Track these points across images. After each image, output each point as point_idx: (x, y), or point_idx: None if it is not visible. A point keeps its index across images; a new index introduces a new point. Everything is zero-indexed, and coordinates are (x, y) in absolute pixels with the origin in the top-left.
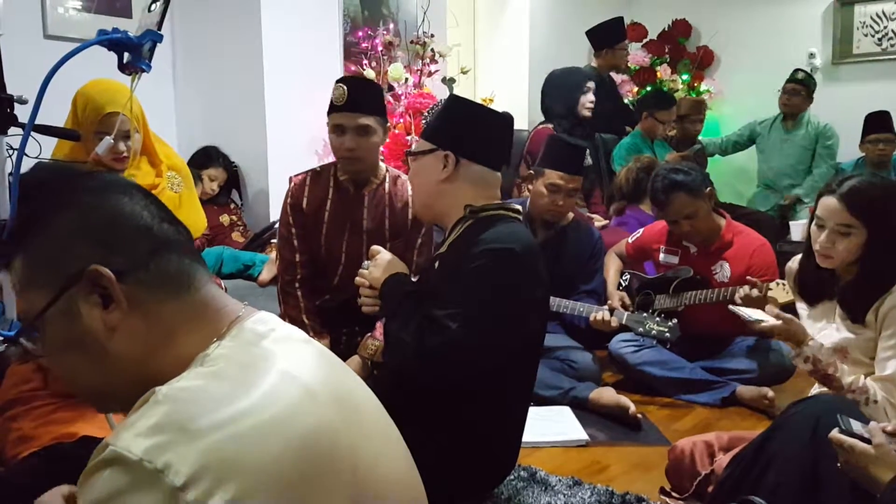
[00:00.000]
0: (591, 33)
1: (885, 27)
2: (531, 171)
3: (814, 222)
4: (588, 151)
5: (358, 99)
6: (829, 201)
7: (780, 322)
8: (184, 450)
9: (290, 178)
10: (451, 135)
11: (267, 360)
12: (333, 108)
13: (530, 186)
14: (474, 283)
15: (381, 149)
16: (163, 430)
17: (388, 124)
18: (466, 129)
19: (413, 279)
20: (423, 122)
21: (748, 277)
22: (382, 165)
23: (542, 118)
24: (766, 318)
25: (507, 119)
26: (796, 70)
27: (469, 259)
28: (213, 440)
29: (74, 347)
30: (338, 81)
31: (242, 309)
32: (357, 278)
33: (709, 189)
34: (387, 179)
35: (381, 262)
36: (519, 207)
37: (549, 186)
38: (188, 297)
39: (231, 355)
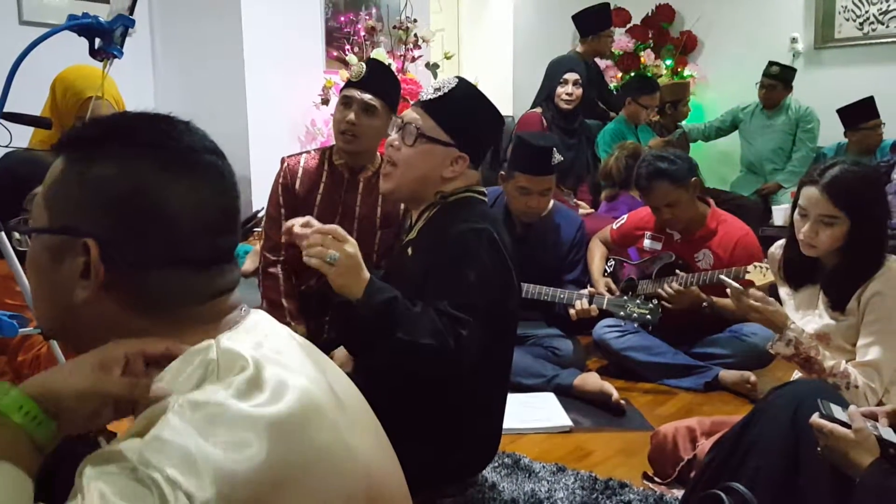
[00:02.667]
0: (576, 18)
1: (867, 12)
2: (503, 174)
3: (797, 211)
4: (555, 150)
5: (373, 80)
6: (812, 192)
7: (763, 303)
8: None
9: (283, 159)
10: (472, 139)
11: None
12: (348, 84)
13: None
14: (467, 267)
15: None
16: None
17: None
18: (484, 137)
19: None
20: (425, 94)
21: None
22: (378, 154)
23: (526, 103)
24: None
25: (503, 124)
26: (770, 64)
27: (451, 243)
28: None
29: (45, 277)
30: (361, 61)
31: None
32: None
33: (694, 179)
34: (381, 168)
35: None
36: (483, 189)
37: (519, 189)
38: (174, 314)
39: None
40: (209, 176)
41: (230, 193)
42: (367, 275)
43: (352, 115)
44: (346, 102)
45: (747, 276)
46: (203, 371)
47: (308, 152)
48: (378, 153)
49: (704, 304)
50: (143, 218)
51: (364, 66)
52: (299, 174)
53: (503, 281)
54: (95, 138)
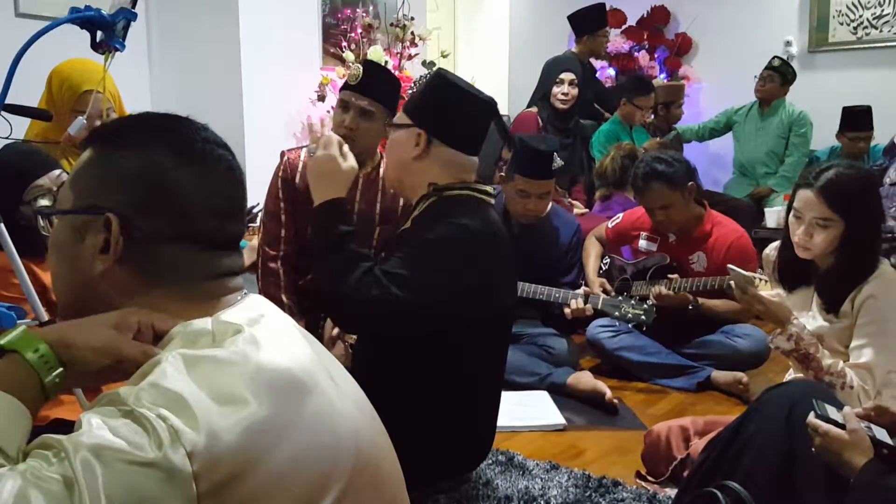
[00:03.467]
0: (572, 18)
1: (861, 16)
2: (502, 175)
3: (791, 213)
4: (556, 154)
5: (371, 83)
6: (807, 195)
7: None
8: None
9: (283, 153)
10: (427, 114)
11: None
12: (345, 86)
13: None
14: (425, 251)
15: None
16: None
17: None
18: (444, 110)
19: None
20: (409, 91)
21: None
22: (379, 152)
23: (522, 102)
24: (758, 279)
25: (489, 104)
26: (773, 57)
27: (427, 231)
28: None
29: (67, 254)
30: (358, 62)
31: (233, 302)
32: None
33: (690, 184)
34: (381, 164)
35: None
36: (490, 189)
37: (518, 192)
38: (180, 287)
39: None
40: (220, 166)
41: (238, 187)
42: (339, 193)
43: (348, 120)
44: (343, 106)
45: None
46: (199, 338)
47: (308, 146)
48: (379, 151)
49: (691, 305)
50: (158, 195)
51: (361, 68)
52: (299, 168)
53: (470, 275)
54: (119, 129)
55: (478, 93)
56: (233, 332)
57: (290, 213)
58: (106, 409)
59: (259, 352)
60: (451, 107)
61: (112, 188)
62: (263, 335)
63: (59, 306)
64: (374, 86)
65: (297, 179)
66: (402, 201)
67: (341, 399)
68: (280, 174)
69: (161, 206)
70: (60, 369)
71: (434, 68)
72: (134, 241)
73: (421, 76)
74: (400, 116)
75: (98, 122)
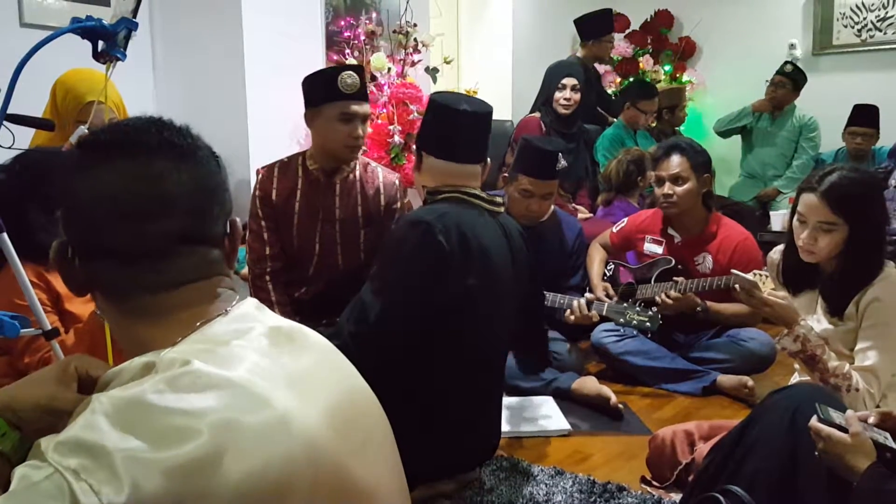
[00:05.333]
0: (578, 22)
1: (865, 18)
2: (506, 175)
3: (795, 217)
4: (561, 155)
5: (363, 88)
6: (811, 198)
7: (777, 298)
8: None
9: (258, 171)
10: (422, 134)
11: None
12: (343, 96)
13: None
14: (385, 254)
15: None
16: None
17: (370, 116)
18: (430, 128)
19: None
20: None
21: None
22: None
23: (526, 107)
24: (761, 277)
25: (476, 115)
26: (785, 62)
27: (389, 240)
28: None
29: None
30: (344, 69)
31: (227, 307)
32: None
33: (706, 175)
34: (357, 167)
35: None
36: (483, 195)
37: (521, 192)
38: (156, 298)
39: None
40: (121, 163)
41: (152, 177)
42: None
43: (359, 131)
44: (347, 118)
45: None
46: (140, 374)
47: (281, 160)
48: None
49: (699, 308)
50: (70, 211)
51: (356, 75)
52: (274, 184)
53: (430, 272)
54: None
55: (461, 105)
56: (180, 363)
57: (272, 229)
58: (27, 465)
59: (195, 383)
60: (434, 123)
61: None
62: (217, 359)
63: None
64: (365, 90)
65: (275, 196)
66: (383, 201)
67: (302, 409)
68: (257, 192)
69: (71, 221)
70: (15, 433)
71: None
72: (86, 259)
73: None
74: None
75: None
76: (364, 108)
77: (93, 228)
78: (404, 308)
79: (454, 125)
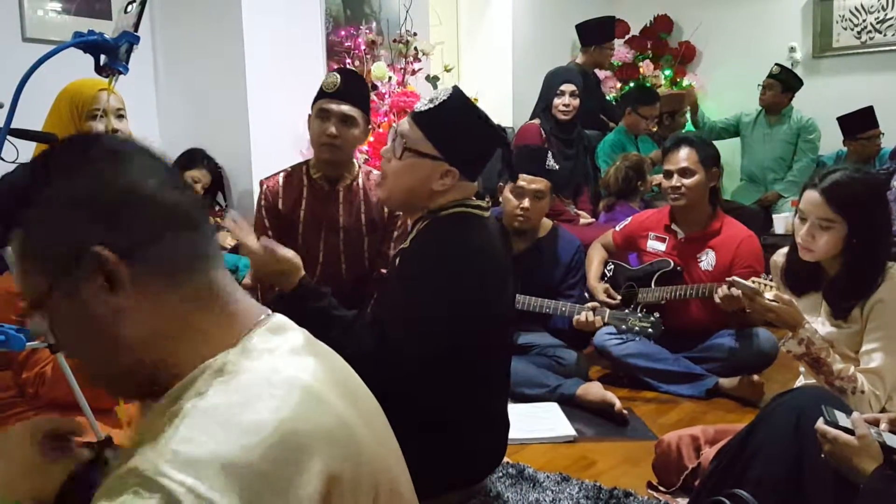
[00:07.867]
0: (580, 28)
1: (864, 20)
2: (500, 184)
3: (797, 214)
4: (550, 154)
5: (348, 89)
6: (811, 195)
7: (780, 302)
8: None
9: (261, 182)
10: (461, 153)
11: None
12: (322, 95)
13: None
14: (418, 275)
15: (365, 147)
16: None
17: (371, 125)
18: (476, 150)
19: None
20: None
21: (728, 278)
22: (355, 162)
23: (526, 114)
24: (762, 284)
25: (504, 139)
26: (774, 65)
27: (421, 263)
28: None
29: (81, 331)
30: (332, 71)
31: (262, 315)
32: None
33: (714, 169)
34: (360, 175)
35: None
36: (482, 203)
37: (513, 190)
38: (196, 282)
39: (241, 370)
40: (126, 151)
41: (158, 161)
42: (292, 284)
43: (332, 128)
44: (323, 116)
45: None
46: (211, 379)
47: (285, 170)
48: (355, 161)
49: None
50: (111, 197)
51: (338, 76)
52: (280, 193)
53: (470, 295)
54: (27, 189)
55: (493, 125)
56: (246, 370)
57: (277, 240)
58: (124, 492)
59: (273, 395)
60: (481, 146)
61: (68, 227)
62: (280, 363)
63: (106, 385)
64: (352, 92)
65: (281, 205)
66: (386, 209)
67: (352, 414)
68: (263, 203)
69: (122, 208)
70: None
71: (461, 92)
72: (128, 257)
73: (450, 88)
74: (423, 143)
75: (112, 118)
76: (341, 107)
77: (152, 204)
78: (448, 323)
79: (491, 148)
